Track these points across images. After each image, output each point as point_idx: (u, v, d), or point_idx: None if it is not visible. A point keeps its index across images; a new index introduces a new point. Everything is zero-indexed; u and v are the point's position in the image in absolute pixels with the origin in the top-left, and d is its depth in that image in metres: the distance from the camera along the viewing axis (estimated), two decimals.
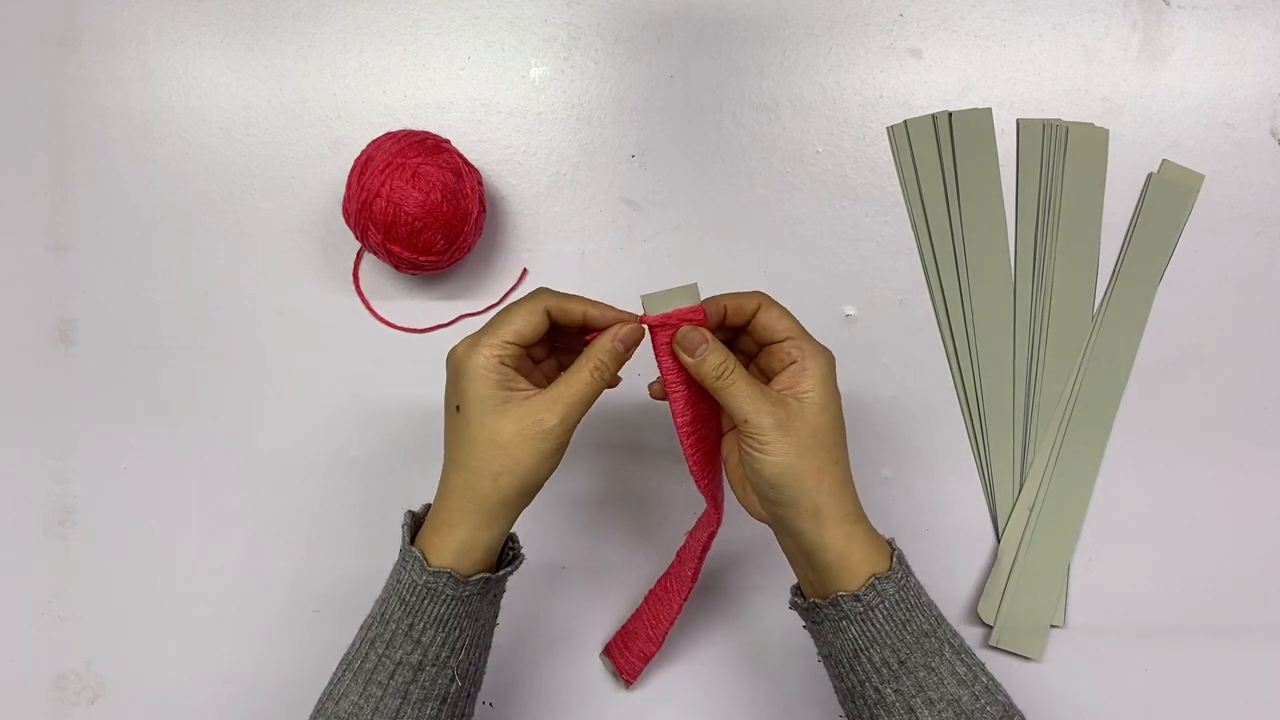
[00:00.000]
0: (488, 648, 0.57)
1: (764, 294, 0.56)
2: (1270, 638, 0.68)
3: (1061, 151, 0.69)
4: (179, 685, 0.69)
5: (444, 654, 0.53)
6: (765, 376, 0.56)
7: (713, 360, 0.53)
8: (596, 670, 0.69)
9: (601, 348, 0.54)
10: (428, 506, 0.56)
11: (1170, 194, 0.69)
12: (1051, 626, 0.68)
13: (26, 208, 0.71)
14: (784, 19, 0.70)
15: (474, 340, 0.53)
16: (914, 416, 0.69)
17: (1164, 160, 0.69)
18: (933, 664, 0.52)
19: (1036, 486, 0.68)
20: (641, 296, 0.54)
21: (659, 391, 0.57)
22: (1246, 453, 0.68)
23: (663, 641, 0.65)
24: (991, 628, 0.67)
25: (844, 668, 0.54)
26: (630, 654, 0.66)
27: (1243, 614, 0.68)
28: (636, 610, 0.67)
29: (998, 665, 0.67)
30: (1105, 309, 0.69)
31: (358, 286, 0.70)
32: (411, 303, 0.70)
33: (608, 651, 0.68)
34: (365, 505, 0.69)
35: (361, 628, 0.55)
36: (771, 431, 0.52)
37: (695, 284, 0.54)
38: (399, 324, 0.70)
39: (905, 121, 0.69)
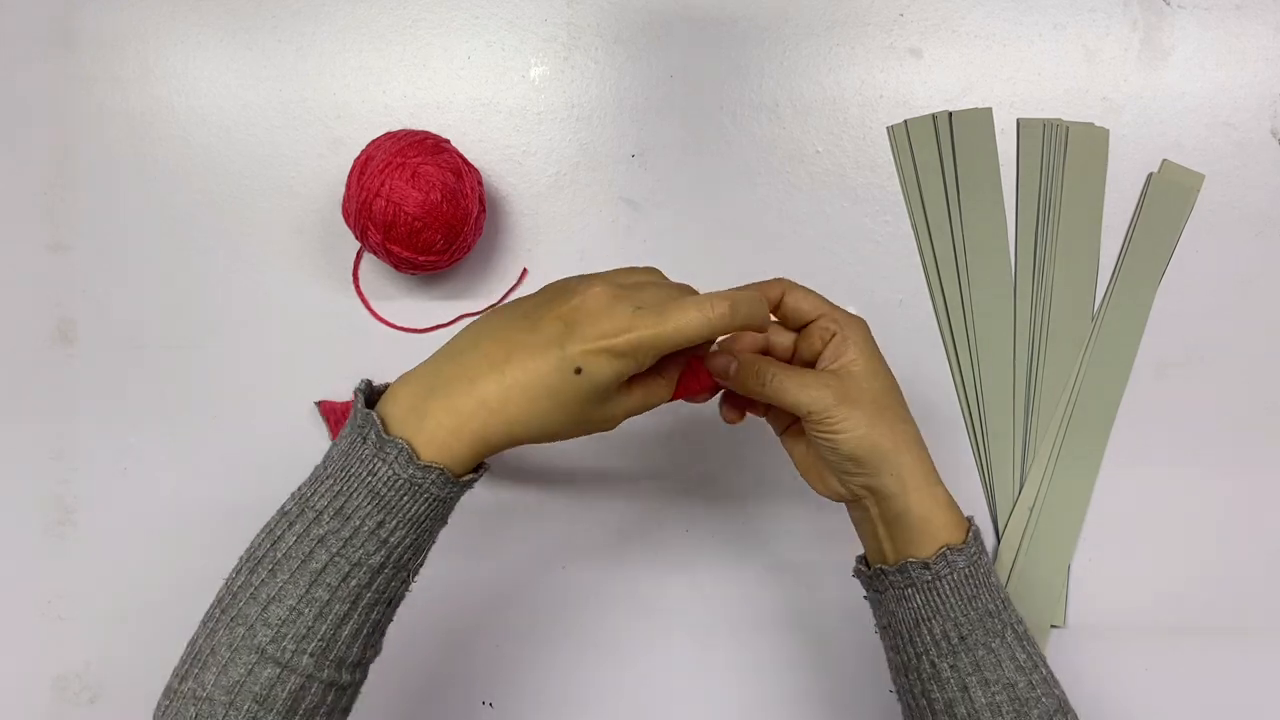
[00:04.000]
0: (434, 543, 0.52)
1: (784, 279, 0.56)
2: (1270, 638, 0.68)
3: (1061, 151, 0.69)
4: None
5: (406, 556, 0.49)
6: (807, 360, 0.55)
7: (748, 371, 0.53)
8: (597, 670, 0.69)
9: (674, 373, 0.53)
10: (371, 384, 0.51)
11: (1170, 194, 0.69)
12: (1051, 626, 0.68)
13: (26, 208, 0.71)
14: (784, 19, 0.70)
15: (636, 322, 0.48)
16: (914, 416, 0.68)
17: (1164, 160, 0.69)
18: (993, 644, 0.51)
19: (1036, 486, 0.68)
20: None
21: (732, 416, 0.57)
22: (1246, 453, 0.68)
23: None
24: None
25: (902, 639, 0.53)
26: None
27: (1243, 614, 0.68)
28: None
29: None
30: (1105, 309, 0.69)
31: (357, 286, 0.70)
32: (411, 303, 0.70)
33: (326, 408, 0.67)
34: None
35: (285, 518, 0.49)
36: (835, 409, 0.51)
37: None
38: (399, 324, 0.70)
39: (905, 121, 0.69)
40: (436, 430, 0.48)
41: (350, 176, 0.64)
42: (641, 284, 0.51)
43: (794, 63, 0.70)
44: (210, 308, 0.70)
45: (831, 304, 0.55)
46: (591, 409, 0.49)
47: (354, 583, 0.47)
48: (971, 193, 0.69)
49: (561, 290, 0.50)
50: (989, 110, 0.69)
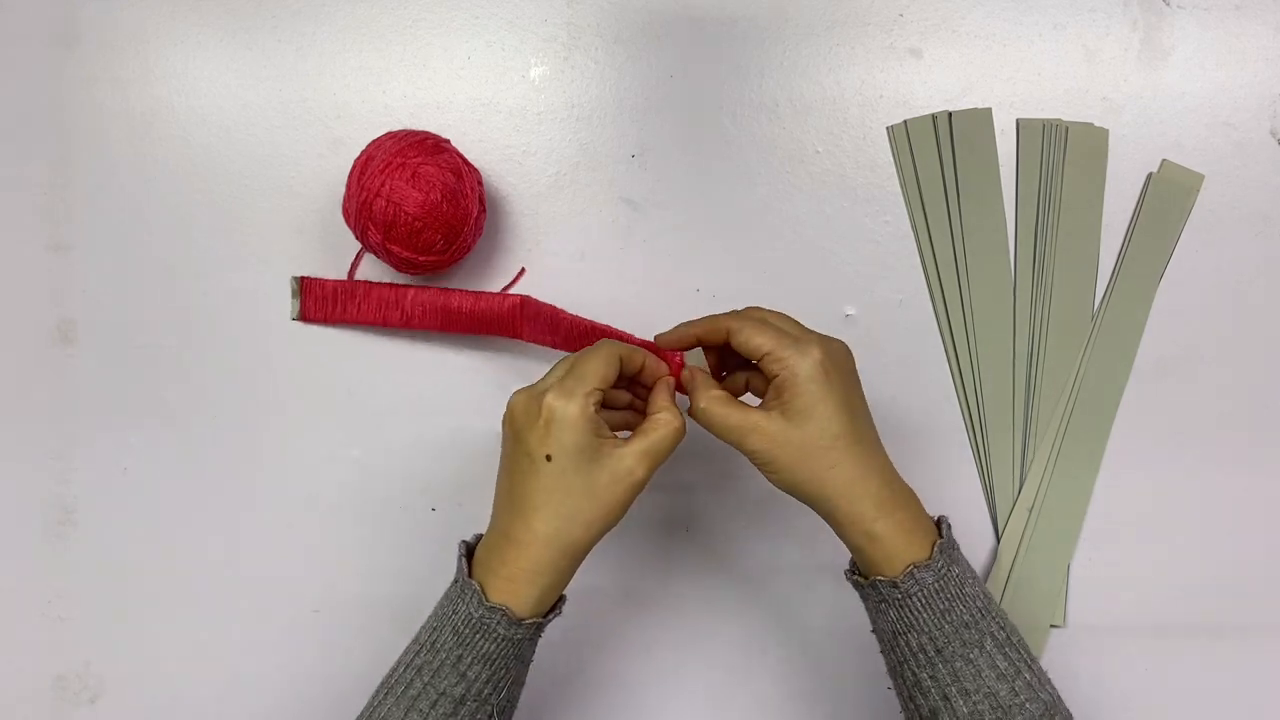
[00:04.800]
0: (523, 686, 0.57)
1: (736, 316, 0.56)
2: (1270, 638, 0.68)
3: (1061, 151, 0.69)
4: (179, 685, 0.69)
5: (486, 690, 0.53)
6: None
7: (690, 388, 0.56)
8: (596, 670, 0.69)
9: (671, 395, 0.56)
10: (478, 537, 0.57)
11: (1170, 194, 0.69)
12: (1051, 626, 0.68)
13: (26, 208, 0.71)
14: (784, 19, 0.70)
15: (565, 390, 0.53)
16: (914, 416, 0.69)
17: (1164, 160, 0.69)
18: (971, 655, 0.52)
19: (1036, 486, 0.68)
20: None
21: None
22: (1246, 452, 0.68)
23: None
24: None
25: (886, 645, 0.55)
26: (336, 306, 0.67)
27: (1243, 614, 0.68)
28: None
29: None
30: (1105, 309, 0.69)
31: None
32: None
33: (306, 283, 0.68)
34: (365, 505, 0.69)
35: (407, 650, 0.55)
36: (764, 454, 0.54)
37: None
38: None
39: (905, 121, 0.69)
40: (498, 576, 0.53)
41: (350, 176, 0.64)
42: (547, 376, 0.56)
43: (794, 63, 0.70)
44: (210, 308, 0.70)
45: (781, 338, 0.54)
46: (592, 474, 0.53)
47: (441, 710, 0.52)
48: (971, 193, 0.69)
49: (505, 425, 0.55)
50: (989, 110, 0.69)
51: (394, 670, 0.55)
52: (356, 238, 0.65)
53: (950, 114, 0.69)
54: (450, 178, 0.63)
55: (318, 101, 0.70)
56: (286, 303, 0.69)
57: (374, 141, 0.65)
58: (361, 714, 0.55)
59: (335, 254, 0.70)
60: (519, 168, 0.70)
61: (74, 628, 0.70)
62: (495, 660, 0.53)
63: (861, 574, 0.55)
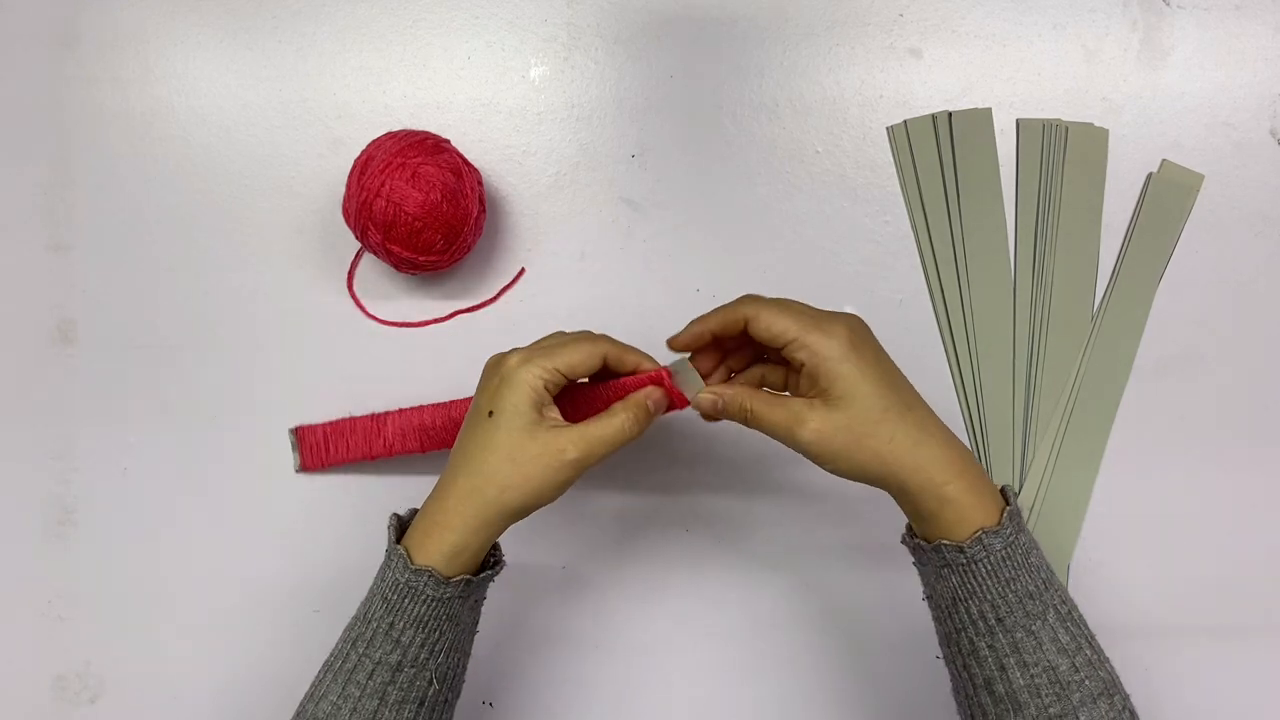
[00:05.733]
0: (467, 654, 0.57)
1: (750, 300, 0.55)
2: (1270, 638, 0.68)
3: (1061, 151, 0.69)
4: (179, 685, 0.69)
5: (423, 655, 0.53)
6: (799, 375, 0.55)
7: (731, 409, 0.55)
8: (597, 670, 0.69)
9: (640, 403, 0.55)
10: (413, 511, 0.56)
11: (1170, 194, 0.69)
12: None
13: (26, 208, 0.71)
14: (784, 19, 0.70)
15: (528, 356, 0.54)
16: None
17: (1164, 160, 0.69)
18: (1033, 627, 0.51)
19: (1036, 486, 0.68)
20: (670, 366, 0.56)
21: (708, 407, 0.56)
22: (1246, 453, 0.68)
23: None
24: None
25: (943, 612, 0.53)
26: (329, 450, 0.68)
27: (1243, 614, 0.68)
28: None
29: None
30: (1105, 309, 0.69)
31: (351, 288, 0.70)
32: (411, 302, 0.70)
33: (301, 433, 0.68)
34: (365, 505, 0.69)
35: (345, 629, 0.55)
36: (815, 445, 0.52)
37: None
38: (397, 322, 0.70)
39: (905, 121, 0.69)
40: (424, 539, 0.53)
41: (350, 176, 0.64)
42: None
43: (794, 63, 0.70)
44: (210, 308, 0.70)
45: (802, 321, 0.53)
46: (522, 441, 0.52)
47: (378, 679, 0.53)
48: (971, 193, 0.69)
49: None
50: (989, 110, 0.69)
51: (333, 651, 0.55)
52: (356, 238, 0.65)
53: (950, 114, 0.69)
54: (450, 178, 0.63)
55: (318, 101, 0.70)
56: (286, 300, 0.69)
57: (374, 141, 0.65)
58: (304, 697, 0.55)
59: (335, 254, 0.70)
60: (519, 168, 0.70)
61: (74, 628, 0.70)
62: (427, 623, 0.53)
63: (923, 538, 0.54)
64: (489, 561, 0.56)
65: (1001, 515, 0.52)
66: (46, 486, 0.70)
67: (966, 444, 0.68)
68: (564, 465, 0.52)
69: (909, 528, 0.56)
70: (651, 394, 0.55)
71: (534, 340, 0.57)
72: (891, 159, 0.69)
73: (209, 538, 0.70)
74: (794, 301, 0.55)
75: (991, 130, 0.69)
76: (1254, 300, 0.68)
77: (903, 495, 0.53)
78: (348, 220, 0.65)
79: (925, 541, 0.53)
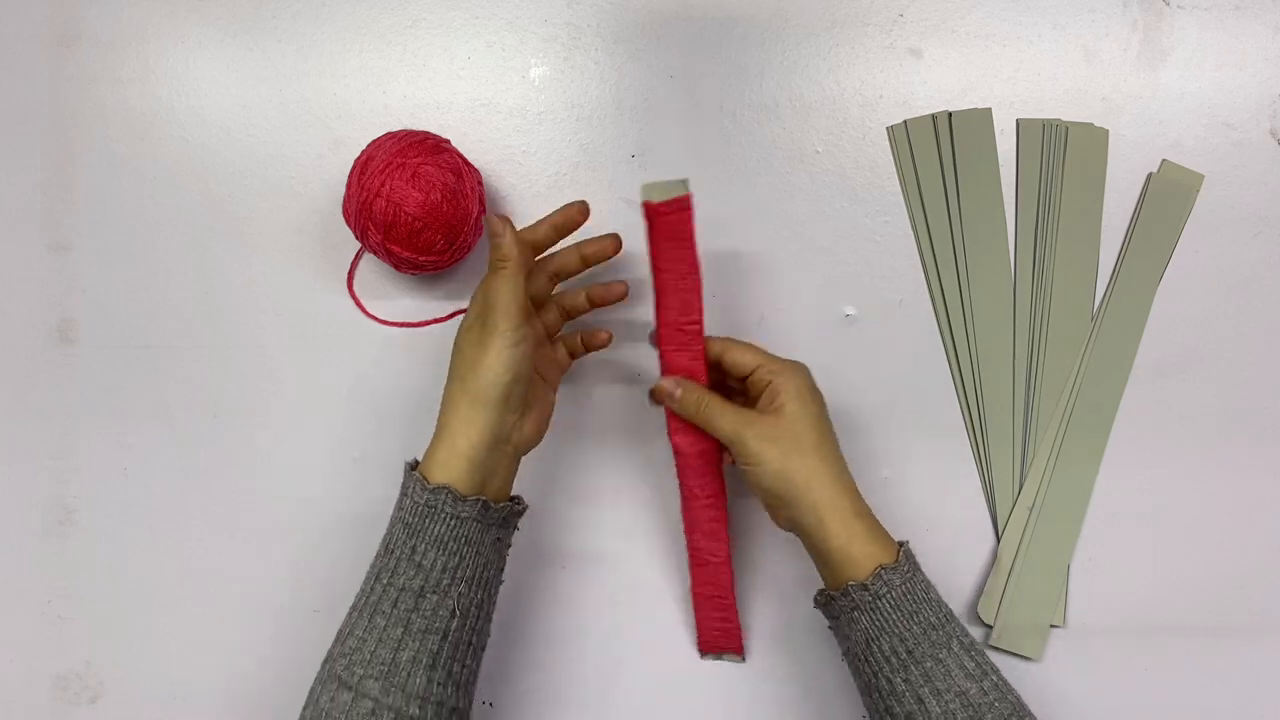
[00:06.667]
0: (491, 600, 0.59)
1: (726, 339, 0.62)
2: (1270, 638, 0.68)
3: (1061, 151, 0.69)
4: (179, 685, 0.70)
5: (444, 580, 0.55)
6: (752, 405, 0.61)
7: (689, 397, 0.61)
8: (597, 670, 0.69)
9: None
10: (416, 462, 0.59)
11: (1170, 194, 0.69)
12: (1051, 626, 0.68)
13: (26, 208, 0.71)
14: (784, 19, 0.70)
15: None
16: (914, 416, 0.69)
17: (1164, 160, 0.69)
18: (940, 655, 0.54)
19: (1036, 486, 0.68)
20: (641, 185, 0.59)
21: (665, 392, 0.62)
22: (1246, 453, 0.68)
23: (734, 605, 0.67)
24: (991, 627, 0.67)
25: (859, 660, 0.57)
26: (722, 635, 0.68)
27: (1243, 614, 0.68)
28: (696, 602, 0.67)
29: (998, 665, 0.67)
30: (1105, 309, 0.69)
31: (351, 288, 0.70)
32: (411, 303, 0.70)
33: (707, 648, 0.68)
34: (365, 505, 0.69)
35: (369, 570, 0.57)
36: (754, 443, 0.58)
37: (686, 179, 0.58)
38: (396, 321, 0.70)
39: (905, 121, 0.69)
40: (436, 461, 0.57)
41: (350, 177, 0.64)
42: None
43: (794, 63, 0.70)
44: (210, 308, 0.70)
45: (770, 356, 0.61)
46: (509, 346, 0.57)
47: (402, 607, 0.54)
48: (971, 193, 0.69)
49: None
50: (989, 110, 0.69)
51: (358, 591, 0.57)
52: (356, 238, 0.65)
53: (950, 114, 0.69)
54: (450, 178, 0.63)
55: (318, 101, 0.70)
56: (286, 300, 0.70)
57: (374, 142, 0.65)
58: (332, 643, 0.56)
59: (335, 254, 0.70)
60: (519, 168, 0.70)
61: (74, 628, 0.70)
62: (447, 544, 0.55)
63: (831, 589, 0.58)
64: (516, 508, 0.60)
65: (898, 554, 0.57)
66: (46, 486, 0.70)
67: (966, 444, 0.69)
68: (544, 366, 0.62)
69: (820, 591, 0.59)
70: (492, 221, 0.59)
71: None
72: (891, 159, 0.69)
73: (209, 538, 0.70)
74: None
75: (991, 130, 0.69)
76: (1254, 300, 0.68)
77: (813, 518, 0.57)
78: (348, 220, 0.65)
79: (834, 592, 0.57)
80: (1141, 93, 0.69)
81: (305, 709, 0.55)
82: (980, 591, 0.68)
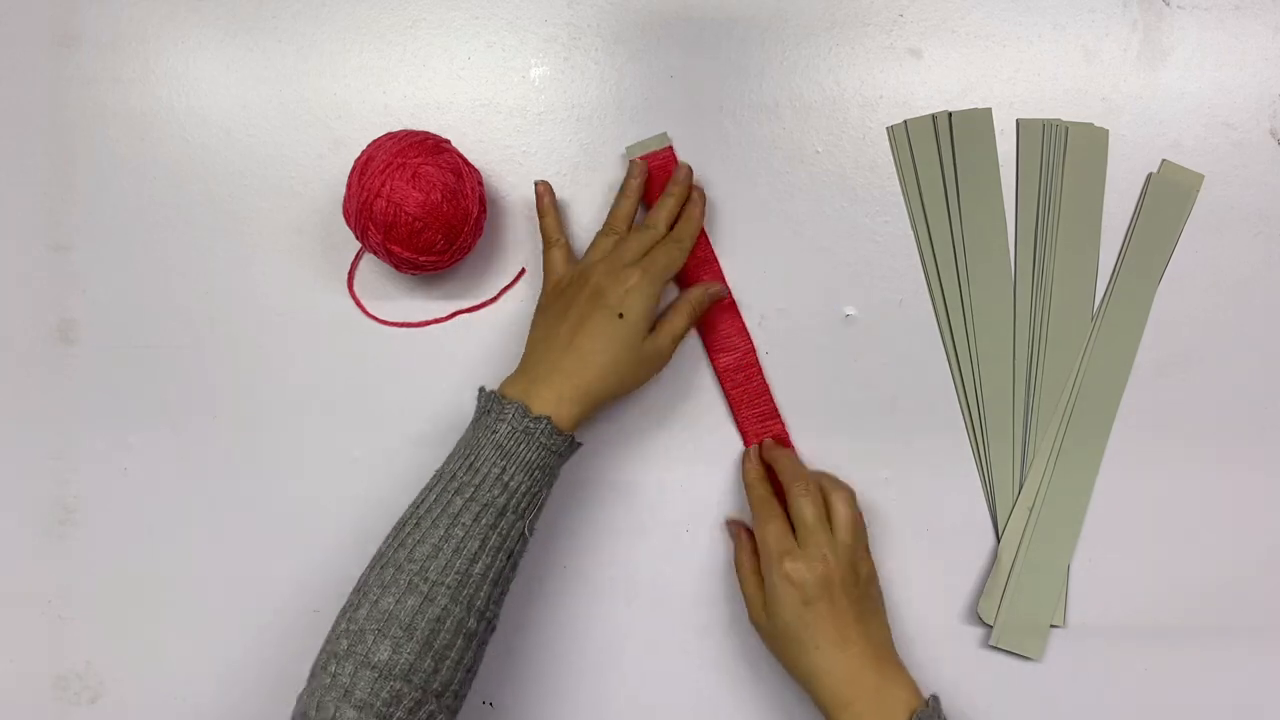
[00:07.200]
0: (534, 530, 0.60)
1: (771, 447, 0.67)
2: (1270, 638, 0.68)
3: (1061, 151, 0.69)
4: (179, 685, 0.70)
5: (524, 504, 0.58)
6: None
7: (753, 479, 0.67)
8: (597, 669, 0.69)
9: (694, 298, 0.65)
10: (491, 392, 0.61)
11: (1170, 194, 0.69)
12: (1051, 626, 0.68)
13: (26, 208, 0.71)
14: (784, 19, 0.70)
15: (650, 274, 0.62)
16: (914, 416, 0.69)
17: (1164, 160, 0.69)
18: None
19: (1036, 486, 0.68)
20: (626, 147, 0.67)
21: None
22: (1246, 453, 0.68)
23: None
24: (991, 627, 0.67)
25: None
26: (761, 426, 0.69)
27: (1243, 614, 0.68)
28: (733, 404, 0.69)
29: (998, 665, 0.68)
30: (1105, 309, 0.69)
31: (351, 288, 0.70)
32: (411, 303, 0.70)
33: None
34: (365, 505, 0.69)
35: (427, 490, 0.58)
36: (755, 612, 0.63)
37: (665, 132, 0.68)
38: (397, 321, 0.70)
39: (905, 121, 0.69)
40: (539, 399, 0.59)
41: (351, 177, 0.64)
42: (622, 250, 0.64)
43: (794, 63, 0.70)
44: (210, 308, 0.70)
45: (804, 491, 0.63)
46: (641, 343, 0.62)
47: (484, 521, 0.56)
48: (971, 193, 0.69)
49: (577, 281, 0.63)
50: (989, 110, 0.69)
51: (413, 509, 0.58)
52: (357, 238, 0.65)
53: (950, 114, 0.69)
54: (450, 178, 0.63)
55: (318, 101, 0.70)
56: (286, 300, 0.70)
57: (374, 142, 0.65)
58: (386, 547, 0.57)
59: (335, 254, 0.70)
60: (519, 168, 0.70)
61: (74, 628, 0.70)
62: (535, 470, 0.58)
63: None
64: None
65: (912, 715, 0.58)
66: (46, 486, 0.70)
67: (966, 444, 0.69)
68: (660, 363, 0.64)
69: None
70: (703, 289, 0.66)
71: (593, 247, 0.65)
72: (891, 159, 0.69)
73: (209, 538, 0.70)
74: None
75: (991, 130, 0.69)
76: (1254, 300, 0.68)
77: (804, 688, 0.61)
78: (348, 220, 0.65)
79: None
80: (1141, 93, 0.69)
81: (358, 610, 0.55)
82: (980, 592, 0.68)
